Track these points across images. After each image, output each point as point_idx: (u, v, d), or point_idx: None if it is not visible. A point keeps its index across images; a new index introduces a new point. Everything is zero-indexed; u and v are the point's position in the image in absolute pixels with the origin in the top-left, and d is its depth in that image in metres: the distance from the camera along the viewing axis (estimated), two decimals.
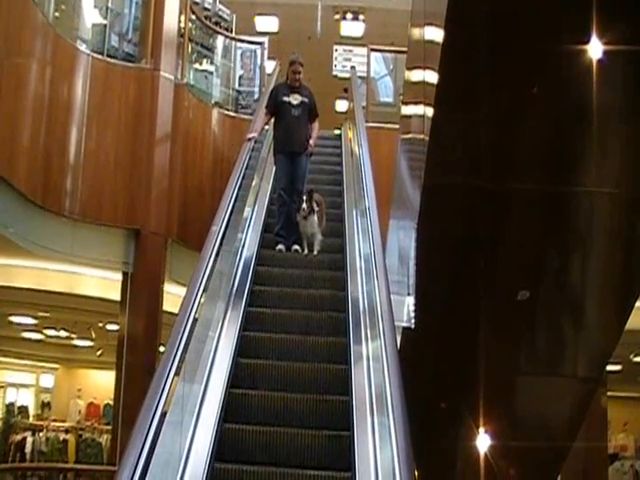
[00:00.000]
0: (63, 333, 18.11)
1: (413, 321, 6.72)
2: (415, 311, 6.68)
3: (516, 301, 6.11)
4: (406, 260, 7.22)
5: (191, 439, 4.65)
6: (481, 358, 6.37)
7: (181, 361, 4.38)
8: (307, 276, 7.72)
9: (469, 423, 6.91)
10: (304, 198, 8.30)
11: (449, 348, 6.61)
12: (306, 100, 8.91)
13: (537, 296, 6.19)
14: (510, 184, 5.40)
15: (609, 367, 10.35)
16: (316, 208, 8.32)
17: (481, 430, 6.95)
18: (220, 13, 14.47)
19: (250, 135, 8.86)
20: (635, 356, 15.35)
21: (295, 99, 8.86)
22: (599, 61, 4.46)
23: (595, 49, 4.41)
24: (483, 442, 7.12)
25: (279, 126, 8.97)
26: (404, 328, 6.85)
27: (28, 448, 15.96)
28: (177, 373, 4.28)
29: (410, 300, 6.86)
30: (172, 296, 10.54)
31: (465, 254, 5.96)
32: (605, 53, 4.41)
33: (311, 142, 8.87)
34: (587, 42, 4.37)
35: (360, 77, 13.78)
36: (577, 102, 4.85)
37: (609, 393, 12.05)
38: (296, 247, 8.46)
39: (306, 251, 8.37)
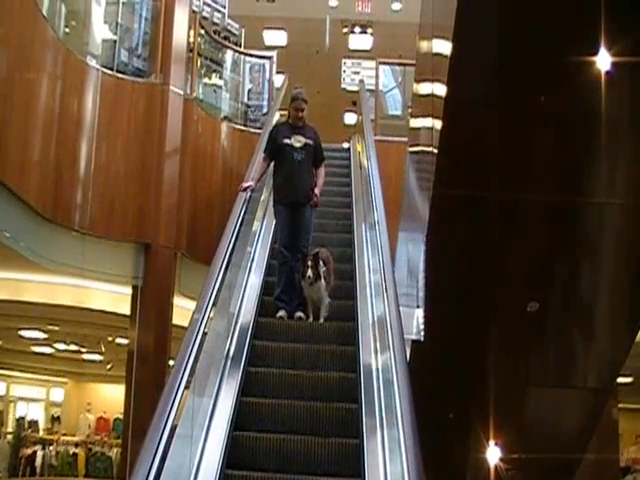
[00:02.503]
0: (73, 347, 18.16)
1: (422, 334, 6.72)
2: (424, 323, 6.67)
3: (525, 312, 6.10)
4: (415, 273, 7.22)
5: None
6: (490, 369, 6.36)
7: (191, 375, 4.38)
8: (313, 353, 6.59)
9: (478, 435, 6.88)
10: (309, 264, 7.16)
11: (458, 360, 6.60)
12: (310, 142, 7.79)
13: (547, 307, 6.18)
14: (519, 195, 5.41)
15: (620, 379, 10.32)
16: (323, 268, 7.23)
17: (491, 442, 6.92)
18: (229, 27, 14.55)
19: (246, 184, 7.63)
20: None
21: (298, 141, 7.74)
22: (607, 72, 4.47)
23: (604, 60, 4.41)
24: (492, 454, 7.09)
25: (279, 172, 7.79)
26: (413, 341, 6.83)
27: (38, 462, 16.00)
28: (187, 387, 4.28)
29: (419, 312, 6.85)
30: (181, 310, 10.56)
31: (474, 265, 5.96)
32: (614, 64, 4.42)
33: (316, 191, 7.70)
34: (596, 53, 4.38)
35: (369, 90, 13.82)
36: (586, 113, 4.86)
37: (620, 405, 11.98)
38: (300, 314, 7.35)
39: (311, 319, 7.27)
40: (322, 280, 7.16)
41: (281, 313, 7.31)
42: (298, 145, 7.73)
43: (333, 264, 7.58)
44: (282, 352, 6.59)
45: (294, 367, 6.36)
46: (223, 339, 5.97)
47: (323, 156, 8.02)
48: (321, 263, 7.22)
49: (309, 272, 7.10)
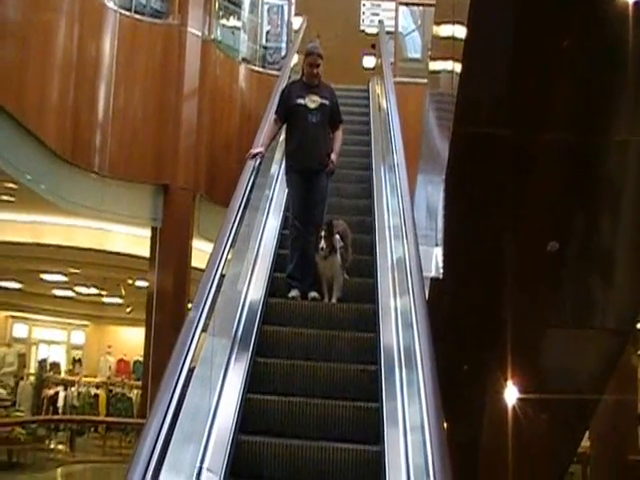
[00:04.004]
0: (93, 290, 18.36)
1: (441, 271, 6.73)
2: (443, 261, 6.67)
3: (545, 252, 6.08)
4: (434, 213, 7.20)
5: None
6: (509, 309, 6.36)
7: (208, 317, 4.40)
8: (327, 340, 5.83)
9: (497, 375, 6.92)
10: (322, 234, 6.45)
11: (477, 299, 6.60)
12: (326, 102, 6.97)
13: (566, 248, 6.16)
14: (540, 134, 5.36)
15: None
16: (340, 243, 6.54)
17: (508, 382, 6.97)
18: None
19: (255, 151, 6.76)
20: None
21: (313, 101, 6.93)
22: (635, 4, 4.38)
23: None
24: (510, 394, 7.13)
25: (292, 137, 7.02)
26: (432, 279, 6.82)
27: (60, 402, 16.28)
28: (204, 329, 4.30)
29: (438, 251, 6.85)
30: (201, 252, 10.61)
31: (493, 204, 5.94)
32: None
33: (333, 157, 6.93)
34: None
35: (388, 32, 13.66)
36: (610, 48, 4.79)
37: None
38: (314, 294, 6.59)
39: (327, 299, 6.52)
40: (337, 255, 6.49)
41: (293, 293, 6.59)
42: (313, 106, 6.94)
43: (351, 236, 6.90)
44: (293, 339, 5.87)
45: (306, 357, 5.65)
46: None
47: (341, 118, 7.22)
48: (338, 237, 6.54)
49: (322, 243, 6.41)
